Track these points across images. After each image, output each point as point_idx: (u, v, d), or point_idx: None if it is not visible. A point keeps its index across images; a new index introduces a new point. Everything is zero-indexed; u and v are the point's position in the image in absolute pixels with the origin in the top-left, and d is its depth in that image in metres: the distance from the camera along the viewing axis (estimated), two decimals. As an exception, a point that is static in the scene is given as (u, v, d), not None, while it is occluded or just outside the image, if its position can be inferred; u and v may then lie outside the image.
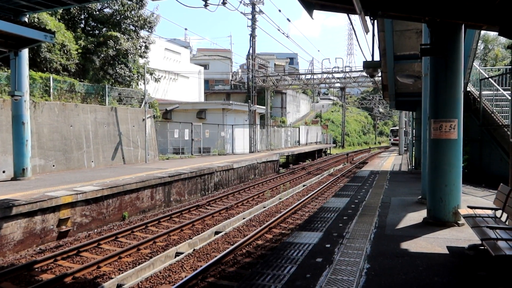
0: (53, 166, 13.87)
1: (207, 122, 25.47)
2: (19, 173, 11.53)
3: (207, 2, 12.88)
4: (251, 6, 26.25)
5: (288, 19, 27.12)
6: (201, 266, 6.86)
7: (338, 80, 33.43)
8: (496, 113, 12.67)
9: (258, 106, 30.31)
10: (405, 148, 32.94)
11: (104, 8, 19.63)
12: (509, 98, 11.49)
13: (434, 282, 4.21)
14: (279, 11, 25.04)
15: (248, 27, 27.05)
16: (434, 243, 5.64)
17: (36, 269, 6.94)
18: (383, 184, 12.43)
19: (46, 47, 15.56)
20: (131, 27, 19.99)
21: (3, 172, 12.05)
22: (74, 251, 7.79)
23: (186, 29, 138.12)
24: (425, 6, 6.07)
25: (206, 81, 42.29)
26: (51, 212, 8.64)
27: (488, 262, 4.75)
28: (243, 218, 10.88)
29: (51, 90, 14.65)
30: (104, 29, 19.53)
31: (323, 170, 25.16)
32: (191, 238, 8.68)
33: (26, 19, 11.79)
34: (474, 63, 13.47)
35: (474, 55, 12.53)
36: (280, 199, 14.15)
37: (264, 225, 9.53)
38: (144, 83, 19.36)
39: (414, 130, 21.66)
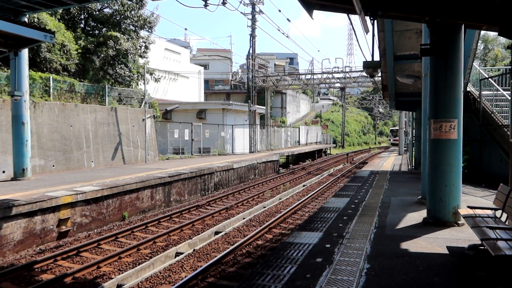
0: (53, 166, 13.87)
1: (207, 122, 25.47)
2: (19, 173, 11.53)
3: (207, 2, 12.88)
4: (251, 6, 26.26)
5: (288, 19, 27.16)
6: (201, 266, 6.86)
7: (338, 80, 33.43)
8: (496, 113, 12.67)
9: (258, 106, 30.31)
10: (405, 148, 32.94)
11: (104, 8, 19.63)
12: (509, 98, 11.49)
13: (434, 282, 4.21)
14: (279, 11, 25.06)
15: (248, 27, 27.07)
16: (434, 243, 5.64)
17: (36, 269, 6.93)
18: (383, 184, 12.43)
19: (46, 47, 15.56)
20: (131, 27, 19.99)
21: (3, 172, 12.05)
22: (74, 251, 7.79)
23: (186, 29, 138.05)
24: (425, 6, 6.07)
25: (206, 81, 42.29)
26: (51, 212, 8.64)
27: (488, 262, 4.75)
28: (243, 218, 10.88)
29: (51, 90, 14.65)
30: (104, 29, 19.53)
31: (323, 170, 25.16)
32: (191, 238, 8.68)
33: (26, 19, 11.79)
34: (474, 63, 13.48)
35: (474, 55, 12.53)
36: (280, 199, 14.15)
37: (264, 225, 9.53)
38: (144, 83, 19.36)
39: (414, 130, 21.67)
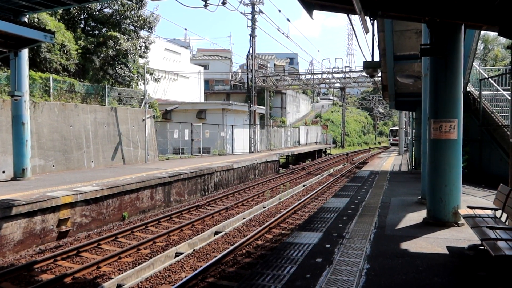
0: (53, 166, 13.87)
1: (207, 122, 25.46)
2: (19, 173, 11.52)
3: (207, 2, 12.88)
4: (251, 6, 26.26)
5: (288, 19, 27.14)
6: (201, 266, 6.86)
7: (338, 80, 33.43)
8: (496, 113, 12.67)
9: (258, 106, 30.31)
10: (405, 148, 32.94)
11: (104, 8, 19.64)
12: (509, 98, 11.49)
13: (434, 282, 4.21)
14: (279, 11, 25.06)
15: (248, 27, 27.07)
16: (434, 243, 5.64)
17: (36, 269, 6.93)
18: (383, 184, 12.43)
19: (46, 47, 15.56)
20: (131, 27, 19.99)
21: (3, 172, 12.05)
22: (74, 251, 7.79)
23: (186, 29, 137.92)
24: (425, 6, 6.07)
25: (206, 81, 42.29)
26: (51, 212, 8.64)
27: (488, 262, 4.75)
28: (243, 218, 10.88)
29: (51, 90, 14.65)
30: (104, 29, 19.54)
31: (323, 170, 25.16)
32: (191, 238, 8.68)
33: (26, 19, 11.79)
34: (474, 63, 13.47)
35: (474, 55, 12.53)
36: (280, 199, 14.14)
37: (264, 225, 9.52)
38: (144, 83, 19.36)
39: (414, 130, 21.66)
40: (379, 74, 16.45)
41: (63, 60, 16.48)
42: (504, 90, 12.98)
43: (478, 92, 13.22)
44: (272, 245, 8.35)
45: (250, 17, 26.58)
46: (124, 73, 18.66)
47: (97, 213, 9.95)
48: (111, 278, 6.44)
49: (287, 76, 36.93)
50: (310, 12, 6.40)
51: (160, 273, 6.72)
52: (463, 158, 6.85)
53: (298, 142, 40.24)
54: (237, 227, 9.93)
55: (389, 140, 56.77)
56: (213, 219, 10.91)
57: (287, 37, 26.42)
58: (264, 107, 34.35)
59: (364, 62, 6.75)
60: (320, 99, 70.22)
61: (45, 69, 15.81)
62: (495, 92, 13.15)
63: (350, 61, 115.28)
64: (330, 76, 32.71)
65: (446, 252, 5.24)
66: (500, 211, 5.39)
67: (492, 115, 12.62)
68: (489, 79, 13.56)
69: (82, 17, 19.54)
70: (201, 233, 9.30)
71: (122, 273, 6.69)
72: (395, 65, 13.12)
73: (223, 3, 14.28)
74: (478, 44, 17.08)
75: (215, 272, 6.65)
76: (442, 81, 6.47)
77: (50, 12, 16.08)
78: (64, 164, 14.31)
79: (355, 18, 26.77)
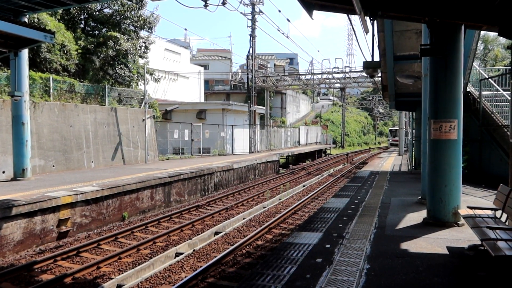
0: (53, 166, 13.87)
1: (207, 123, 25.47)
2: (19, 174, 11.52)
3: (207, 2, 12.88)
4: (250, 6, 26.27)
5: (288, 20, 27.12)
6: (201, 266, 6.86)
7: (338, 81, 33.44)
8: (496, 113, 12.67)
9: (258, 106, 30.32)
10: (405, 149, 32.94)
11: (104, 9, 19.64)
12: (509, 98, 11.49)
13: (434, 283, 4.21)
14: (279, 11, 25.04)
15: (248, 28, 27.07)
16: (434, 243, 5.64)
17: (36, 270, 6.93)
18: (383, 184, 12.43)
19: (46, 47, 15.57)
20: (131, 27, 20.00)
21: (3, 172, 12.05)
22: (74, 251, 7.79)
23: (186, 29, 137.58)
24: (425, 6, 6.08)
25: (206, 82, 42.30)
26: (51, 212, 8.64)
27: (488, 263, 4.75)
28: (243, 219, 10.88)
29: (51, 91, 14.65)
30: (104, 29, 19.54)
31: (323, 170, 25.17)
32: (191, 239, 8.68)
33: (26, 19, 11.79)
34: (474, 64, 13.47)
35: (474, 55, 12.53)
36: (280, 199, 14.14)
37: (264, 226, 9.53)
38: (144, 84, 19.36)
39: (414, 131, 21.67)
40: (379, 74, 16.46)
41: (63, 60, 16.49)
42: (504, 90, 12.98)
43: (478, 92, 13.22)
44: (272, 245, 8.35)
45: (250, 17, 26.59)
46: (124, 73, 18.67)
47: (97, 213, 9.95)
48: (111, 278, 6.44)
49: (287, 76, 36.94)
50: (310, 12, 6.40)
51: (160, 273, 6.72)
52: (463, 158, 6.85)
53: (298, 142, 40.24)
54: (237, 227, 9.93)
55: (389, 140, 56.78)
56: (213, 219, 10.91)
57: (287, 37, 26.43)
58: (264, 107, 34.35)
59: (364, 62, 6.75)
60: (320, 99, 70.23)
61: (45, 69, 15.82)
62: (495, 92, 13.16)
63: (350, 61, 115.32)
64: (330, 76, 32.72)
65: (446, 252, 5.24)
66: (500, 211, 5.39)
67: (492, 115, 12.63)
68: (489, 79, 13.56)
69: (82, 17, 19.55)
70: (201, 233, 9.30)
71: (122, 273, 6.69)
72: (395, 65, 13.12)
73: (223, 3, 14.27)
74: (478, 44, 17.09)
75: (215, 272, 6.65)
76: (442, 81, 6.47)
77: (50, 12, 16.09)
78: (64, 164, 14.31)
79: (355, 18, 26.75)
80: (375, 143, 68.45)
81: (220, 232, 9.26)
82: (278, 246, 6.58)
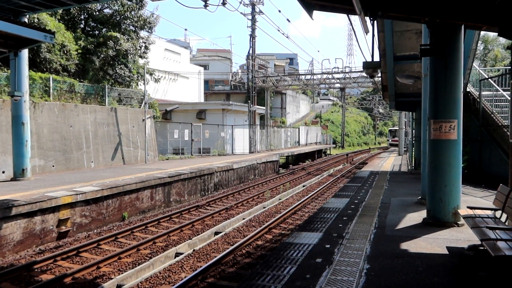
0: (53, 166, 13.87)
1: (207, 123, 25.47)
2: (18, 174, 11.52)
3: (207, 2, 12.88)
4: (250, 6, 26.27)
5: (288, 20, 27.11)
6: (201, 266, 6.86)
7: (338, 81, 33.45)
8: (496, 113, 12.68)
9: (258, 106, 30.32)
10: (405, 149, 32.94)
11: (104, 9, 19.65)
12: (509, 98, 11.49)
13: (434, 283, 4.21)
14: (279, 11, 25.06)
15: (248, 28, 27.08)
16: (434, 243, 5.64)
17: (36, 270, 6.93)
18: (383, 184, 12.43)
19: (46, 47, 15.57)
20: (131, 27, 20.00)
21: (3, 172, 12.04)
22: (74, 251, 7.79)
23: (186, 29, 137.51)
24: (425, 6, 6.08)
25: (206, 82, 42.30)
26: (50, 212, 8.64)
27: (488, 263, 4.75)
28: (243, 219, 10.88)
29: (51, 91, 14.65)
30: (104, 29, 19.55)
31: (323, 170, 25.16)
32: (191, 239, 8.68)
33: (26, 20, 11.79)
34: (473, 64, 13.48)
35: (473, 55, 12.53)
36: (280, 199, 14.14)
37: (264, 226, 9.52)
38: (144, 84, 19.36)
39: (414, 131, 21.66)
40: (379, 75, 16.46)
41: (63, 60, 16.49)
42: (504, 90, 12.98)
43: (478, 93, 13.22)
44: (272, 245, 8.35)
45: (250, 17, 26.60)
46: (124, 73, 18.67)
47: (97, 213, 9.95)
48: (111, 278, 6.44)
49: (287, 77, 36.94)
50: (310, 13, 6.40)
51: (160, 273, 6.72)
52: (463, 159, 6.85)
53: (298, 142, 40.24)
54: (237, 227, 9.93)
55: (388, 140, 56.78)
56: (213, 220, 10.91)
57: (287, 37, 26.41)
58: (264, 107, 34.36)
59: (364, 63, 6.75)
60: (320, 99, 70.23)
61: (45, 69, 15.82)
62: (495, 93, 13.16)
63: (350, 62, 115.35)
64: (330, 76, 32.73)
65: (446, 252, 5.24)
66: (500, 212, 5.39)
67: (492, 115, 12.63)
68: (489, 79, 13.57)
69: (82, 17, 19.55)
70: (201, 233, 9.30)
71: (122, 273, 6.69)
72: (395, 66, 13.12)
73: (223, 4, 14.28)
74: (478, 45, 17.09)
75: (215, 273, 6.65)
76: (442, 81, 6.47)
77: (50, 12, 16.09)
78: (64, 164, 14.30)
79: (355, 19, 26.76)
80: (375, 143, 68.45)
81: (220, 232, 9.26)
82: (278, 246, 6.58)
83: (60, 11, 17.39)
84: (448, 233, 6.18)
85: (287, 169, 26.13)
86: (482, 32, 16.44)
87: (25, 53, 11.46)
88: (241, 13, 27.61)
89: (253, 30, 26.99)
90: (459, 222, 6.48)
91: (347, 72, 32.31)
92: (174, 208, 12.69)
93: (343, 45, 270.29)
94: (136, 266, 7.01)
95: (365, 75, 22.26)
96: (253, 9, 26.36)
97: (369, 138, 69.78)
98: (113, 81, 18.43)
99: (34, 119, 13.23)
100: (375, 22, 7.39)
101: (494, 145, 12.25)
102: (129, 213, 11.00)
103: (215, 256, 7.36)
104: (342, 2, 6.28)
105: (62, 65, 16.47)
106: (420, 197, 9.18)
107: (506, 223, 5.47)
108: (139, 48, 20.10)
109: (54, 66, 16.12)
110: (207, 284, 6.20)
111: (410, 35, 11.11)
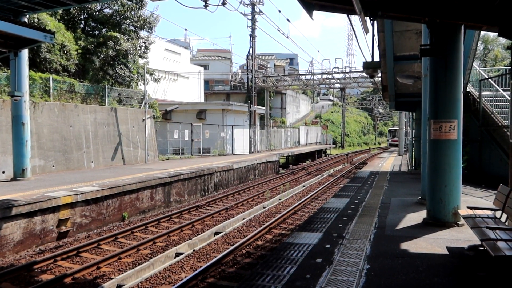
0: (53, 166, 13.87)
1: (207, 123, 25.47)
2: (18, 174, 11.52)
3: (207, 2, 12.88)
4: (250, 6, 26.26)
5: (288, 20, 27.11)
6: (201, 266, 6.86)
7: (338, 81, 33.45)
8: (496, 113, 12.68)
9: (258, 106, 30.31)
10: (405, 149, 32.95)
11: (104, 9, 19.65)
12: (509, 98, 11.49)
13: (434, 283, 4.21)
14: (279, 11, 25.06)
15: (248, 28, 27.06)
16: (434, 243, 5.64)
17: (36, 270, 6.93)
18: (383, 184, 12.43)
19: (46, 47, 15.56)
20: (131, 27, 20.00)
21: (3, 172, 12.05)
22: (74, 251, 7.79)
23: (186, 29, 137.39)
24: (425, 6, 6.08)
25: (206, 82, 42.30)
26: (50, 212, 8.64)
27: (488, 263, 4.75)
28: (243, 219, 10.88)
29: (51, 91, 14.65)
30: (104, 29, 19.55)
31: (323, 170, 25.17)
32: (191, 239, 8.68)
33: (26, 20, 11.79)
34: (473, 64, 13.48)
35: (473, 55, 12.54)
36: (280, 199, 14.14)
37: (264, 226, 9.53)
38: (144, 84, 19.37)
39: (414, 131, 21.67)
40: (379, 75, 16.46)
41: (63, 60, 16.49)
42: (504, 90, 12.98)
43: (478, 93, 13.22)
44: (272, 245, 8.35)
45: (250, 17, 26.58)
46: (124, 73, 18.67)
47: (97, 214, 9.95)
48: (111, 279, 6.44)
49: (287, 77, 36.94)
50: (310, 13, 6.40)
51: (160, 273, 6.72)
52: (463, 159, 6.85)
53: (298, 142, 40.24)
54: (237, 227, 9.93)
55: (388, 140, 56.78)
56: (213, 220, 10.91)
57: (287, 37, 26.40)
58: (264, 108, 34.35)
59: (364, 63, 6.76)
60: (320, 99, 70.22)
61: (45, 69, 15.82)
62: (495, 93, 13.16)
63: (350, 62, 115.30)
64: (330, 76, 32.73)
65: (446, 252, 5.24)
66: (500, 212, 5.39)
67: (492, 115, 12.63)
68: (489, 79, 13.57)
69: (82, 17, 19.55)
70: (201, 233, 9.30)
71: (122, 273, 6.69)
72: (395, 66, 13.12)
73: (223, 4, 14.28)
74: (478, 45, 17.10)
75: (215, 273, 6.65)
76: (442, 81, 6.47)
77: (50, 12, 16.09)
78: (64, 165, 14.30)
79: (355, 19, 26.75)
80: (375, 143, 68.46)
81: (220, 232, 9.26)
82: (278, 246, 6.58)
83: (60, 11, 17.39)
84: (448, 233, 6.18)
85: (287, 169, 26.13)
86: (482, 32, 16.44)
87: (25, 53, 11.46)
88: (241, 13, 27.61)
89: (253, 30, 26.98)
90: (459, 222, 6.48)
91: (347, 72, 32.30)
92: (174, 208, 12.69)
93: (343, 45, 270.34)
94: (136, 266, 7.01)
95: (365, 75, 22.27)
96: (253, 9, 26.35)
97: (369, 138, 69.79)
98: (113, 81, 18.43)
99: (34, 119, 13.23)
100: (375, 22, 7.40)
101: (494, 145, 12.25)
102: (129, 213, 11.00)
103: (215, 256, 7.37)
104: (342, 2, 6.28)
105: (62, 65, 16.47)
106: (420, 197, 9.18)
107: (506, 223, 5.47)
108: (139, 48, 20.10)
109: (54, 66, 16.12)
110: (207, 284, 6.20)
111: (410, 35, 11.11)
